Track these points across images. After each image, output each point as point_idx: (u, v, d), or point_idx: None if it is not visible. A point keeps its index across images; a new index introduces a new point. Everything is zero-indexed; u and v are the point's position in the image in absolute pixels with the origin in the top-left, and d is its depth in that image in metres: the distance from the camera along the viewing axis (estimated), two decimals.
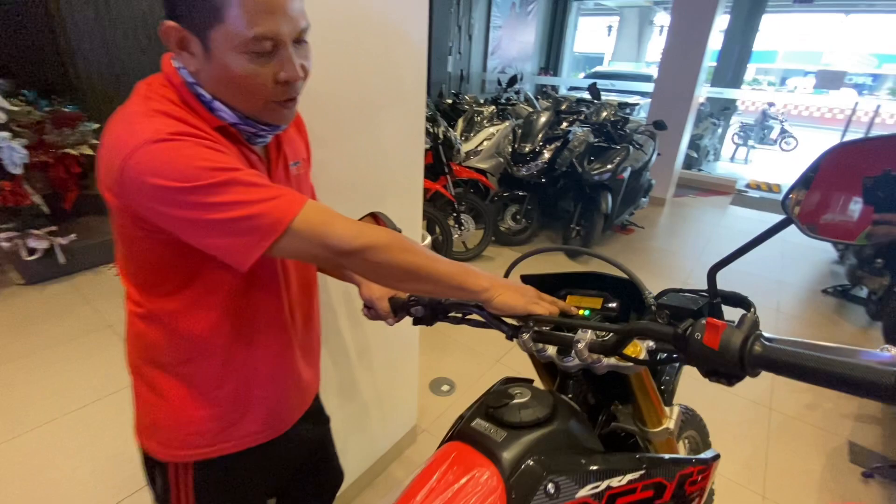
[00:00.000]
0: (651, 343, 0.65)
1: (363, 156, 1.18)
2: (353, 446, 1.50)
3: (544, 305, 0.71)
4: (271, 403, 0.81)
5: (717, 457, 0.72)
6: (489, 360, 2.34)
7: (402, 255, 0.64)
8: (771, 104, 8.88)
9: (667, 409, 0.80)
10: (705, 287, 0.57)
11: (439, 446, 0.66)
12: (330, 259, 0.62)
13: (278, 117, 0.67)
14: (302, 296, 0.85)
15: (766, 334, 0.51)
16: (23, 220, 2.64)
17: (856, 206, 0.48)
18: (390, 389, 1.59)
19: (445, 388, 2.14)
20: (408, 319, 0.84)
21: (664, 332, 0.54)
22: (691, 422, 1.17)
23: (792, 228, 0.47)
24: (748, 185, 6.07)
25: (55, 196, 2.91)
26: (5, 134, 2.42)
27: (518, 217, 3.80)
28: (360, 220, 0.91)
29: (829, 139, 10.02)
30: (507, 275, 0.82)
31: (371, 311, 0.86)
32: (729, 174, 6.51)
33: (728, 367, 0.47)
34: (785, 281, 3.38)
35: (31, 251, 2.66)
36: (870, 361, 0.42)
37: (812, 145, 9.50)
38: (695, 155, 6.37)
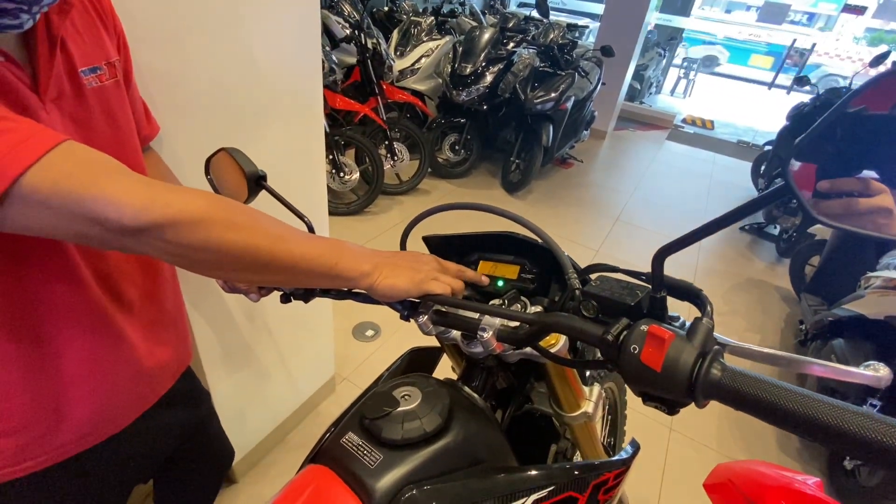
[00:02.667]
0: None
1: (225, 62, 0.87)
2: (254, 410, 1.36)
3: (445, 280, 0.55)
4: (96, 404, 0.62)
5: (636, 451, 0.63)
6: None
7: (231, 233, 0.42)
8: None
9: (586, 389, 0.70)
10: (639, 266, 0.43)
11: (301, 466, 0.51)
12: (105, 240, 0.40)
13: None
14: (133, 265, 0.63)
15: (719, 337, 0.39)
16: None
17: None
18: (298, 344, 1.43)
19: (370, 332, 2.02)
20: (276, 296, 0.65)
21: (590, 333, 0.40)
22: (610, 374, 1.13)
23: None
24: (684, 120, 6.14)
25: None
26: None
27: (457, 147, 3.55)
28: (210, 158, 0.67)
29: (765, 75, 10.32)
30: (404, 238, 0.64)
31: (227, 282, 0.66)
32: (668, 108, 6.52)
33: (671, 393, 0.34)
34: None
35: None
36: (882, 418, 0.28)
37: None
38: (638, 87, 6.26)
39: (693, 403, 0.34)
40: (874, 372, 0.32)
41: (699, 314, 0.37)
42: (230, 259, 0.43)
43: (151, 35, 0.73)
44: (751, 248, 3.21)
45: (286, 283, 0.57)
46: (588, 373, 0.83)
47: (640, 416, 1.76)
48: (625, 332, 0.36)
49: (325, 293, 0.63)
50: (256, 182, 0.66)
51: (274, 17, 0.93)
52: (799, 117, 3.12)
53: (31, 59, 0.48)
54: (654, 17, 6.00)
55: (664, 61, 7.15)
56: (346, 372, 1.82)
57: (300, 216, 0.65)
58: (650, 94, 7.13)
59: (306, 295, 0.64)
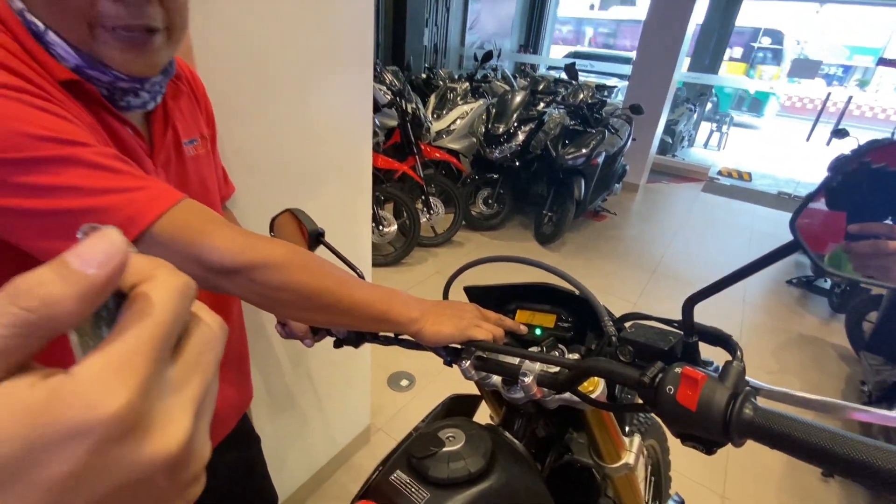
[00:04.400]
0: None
1: (293, 134, 1.01)
2: (293, 457, 1.38)
3: (486, 327, 0.59)
4: None
5: None
6: None
7: (305, 276, 0.50)
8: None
9: (626, 440, 0.70)
10: (677, 318, 0.46)
11: (352, 502, 0.54)
12: (205, 278, 0.47)
13: (123, 60, 0.49)
14: (211, 300, 0.71)
15: (752, 381, 0.41)
16: None
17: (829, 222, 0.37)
18: (335, 392, 1.47)
19: (405, 382, 2.03)
20: (328, 341, 0.70)
21: (628, 376, 0.43)
22: (651, 431, 1.09)
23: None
24: (720, 173, 6.10)
25: None
26: None
27: (490, 201, 3.67)
28: (276, 218, 0.76)
29: (799, 128, 10.21)
30: (446, 288, 0.70)
31: (285, 327, 0.73)
32: (702, 161, 6.52)
33: (707, 432, 0.36)
34: None
35: None
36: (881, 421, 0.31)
37: (782, 133, 9.66)
38: (669, 140, 6.34)
39: (730, 443, 0.36)
40: None
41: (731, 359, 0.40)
42: (303, 298, 0.50)
43: (232, 110, 0.86)
44: (801, 302, 3.06)
45: (347, 324, 0.62)
46: (628, 426, 0.82)
47: (687, 480, 1.66)
48: (660, 375, 0.39)
49: (374, 338, 0.68)
50: (316, 238, 0.74)
51: (334, 91, 1.07)
52: (841, 170, 3.06)
53: (149, 133, 0.59)
54: (682, 76, 6.17)
55: (695, 116, 7.24)
56: (380, 422, 1.82)
57: (353, 268, 0.71)
58: (682, 147, 7.17)
59: (357, 340, 0.69)
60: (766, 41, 10.49)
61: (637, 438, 0.70)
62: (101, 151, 0.44)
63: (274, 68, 0.92)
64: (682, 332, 0.43)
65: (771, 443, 0.33)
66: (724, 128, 7.78)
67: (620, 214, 4.33)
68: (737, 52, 10.63)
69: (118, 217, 0.43)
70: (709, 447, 0.37)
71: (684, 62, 5.03)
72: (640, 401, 0.43)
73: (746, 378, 0.38)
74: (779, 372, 2.35)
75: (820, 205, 0.37)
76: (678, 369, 0.38)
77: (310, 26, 0.95)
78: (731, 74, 9.53)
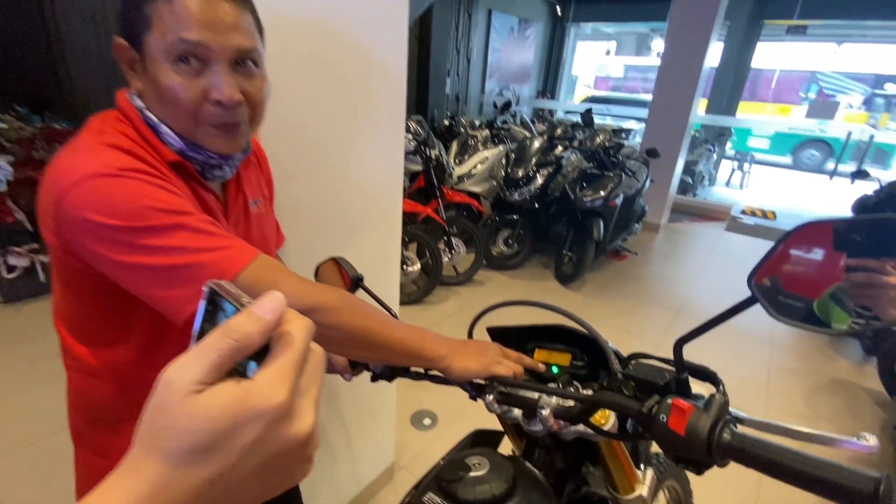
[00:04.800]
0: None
1: (333, 189, 1.14)
2: (321, 491, 1.43)
3: (508, 365, 0.67)
4: None
5: None
6: None
7: (353, 318, 0.59)
8: None
9: (640, 472, 0.75)
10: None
11: None
12: None
13: (217, 144, 0.61)
14: None
15: (735, 412, 0.47)
16: (4, 236, 2.59)
17: (824, 266, 0.44)
18: (363, 428, 1.53)
19: (427, 421, 2.07)
20: (365, 375, 0.79)
21: (629, 407, 0.50)
22: (671, 471, 1.11)
23: None
24: (743, 212, 6.07)
25: None
26: None
27: (510, 241, 3.76)
28: (321, 264, 0.87)
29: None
30: (471, 328, 0.78)
31: (328, 363, 0.82)
32: (724, 199, 6.52)
33: (695, 454, 0.43)
34: None
35: (11, 269, 2.61)
36: (851, 450, 0.38)
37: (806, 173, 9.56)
38: (689, 180, 6.38)
39: (716, 465, 0.42)
40: (865, 441, 0.39)
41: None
42: (351, 337, 0.59)
43: (286, 172, 0.99)
44: (832, 345, 2.98)
45: (386, 360, 0.70)
46: (643, 464, 0.86)
47: None
48: (656, 406, 0.46)
49: (406, 373, 0.76)
50: (356, 283, 0.84)
51: (371, 151, 1.20)
52: (864, 210, 3.06)
53: (224, 196, 0.71)
54: (699, 118, 6.30)
55: (714, 156, 7.30)
56: (403, 460, 1.85)
57: (389, 309, 0.81)
58: (703, 186, 7.20)
59: (391, 374, 0.78)
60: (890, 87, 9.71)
61: (650, 472, 0.75)
62: (200, 218, 0.55)
63: (320, 135, 1.06)
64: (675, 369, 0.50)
65: (747, 463, 0.39)
66: (746, 166, 7.80)
67: (642, 254, 4.35)
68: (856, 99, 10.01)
69: (212, 270, 0.53)
70: (698, 468, 0.43)
71: (700, 104, 5.16)
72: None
73: (731, 409, 0.45)
74: (811, 417, 2.28)
75: (814, 254, 0.45)
76: (669, 400, 0.45)
77: (351, 96, 1.10)
78: (778, 116, 9.26)
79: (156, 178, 0.55)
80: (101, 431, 0.68)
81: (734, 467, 0.41)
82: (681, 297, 3.50)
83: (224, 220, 0.70)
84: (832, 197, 7.55)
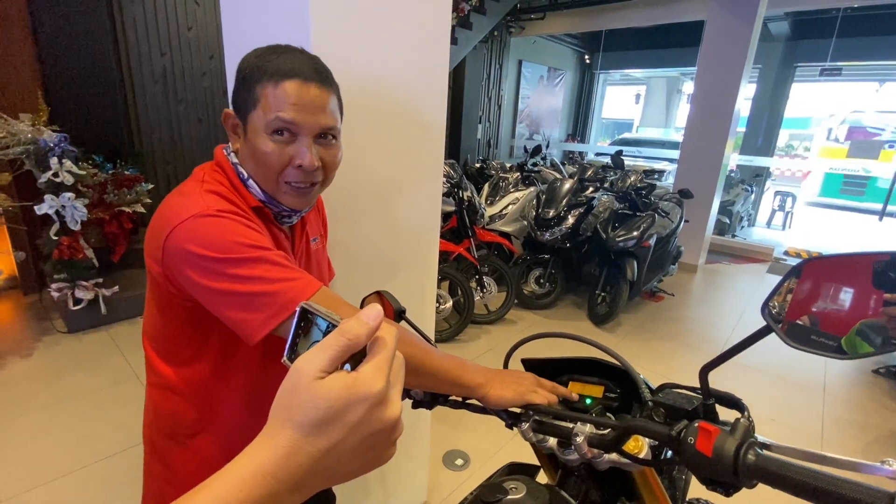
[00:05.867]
0: (653, 440, 0.63)
1: (379, 231, 1.24)
2: None
3: (542, 394, 0.71)
4: None
5: None
6: (506, 433, 2.24)
7: (401, 346, 0.66)
8: None
9: None
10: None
11: None
12: None
13: (293, 202, 0.73)
14: None
15: (761, 439, 0.50)
16: (74, 271, 2.84)
17: (850, 297, 0.47)
18: (397, 464, 1.55)
19: (459, 462, 2.05)
20: (407, 402, 0.84)
21: (659, 432, 0.53)
22: None
23: None
24: (786, 252, 5.85)
25: (105, 250, 3.14)
26: (70, 194, 2.68)
27: (542, 280, 3.77)
28: (367, 297, 0.94)
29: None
30: (507, 359, 0.82)
31: None
32: (765, 241, 6.31)
33: (722, 475, 0.45)
34: (832, 359, 3.15)
35: (78, 301, 2.84)
36: (876, 476, 0.40)
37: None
38: (727, 221, 6.25)
39: (744, 487, 0.44)
40: (889, 466, 0.41)
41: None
42: None
43: (336, 216, 1.10)
44: (891, 395, 2.77)
45: (428, 386, 0.75)
46: (679, 496, 0.85)
47: None
48: (684, 430, 0.49)
49: (445, 401, 0.80)
50: (399, 315, 0.91)
51: (412, 196, 1.31)
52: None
53: (292, 235, 0.81)
54: (734, 159, 6.24)
55: (752, 196, 7.14)
56: (435, 501, 1.83)
57: (429, 340, 0.86)
58: (742, 227, 7.01)
59: (431, 402, 0.82)
60: None
61: None
62: (277, 253, 0.64)
63: (369, 182, 1.17)
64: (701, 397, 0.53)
65: (773, 483, 0.42)
66: (788, 206, 7.57)
67: (679, 295, 4.24)
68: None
69: (283, 298, 0.62)
70: (726, 489, 0.46)
71: (735, 145, 5.13)
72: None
73: (756, 435, 0.47)
74: None
75: (845, 294, 0.48)
76: (696, 424, 0.48)
77: (397, 146, 1.21)
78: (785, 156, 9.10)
79: (244, 218, 0.65)
80: (172, 444, 0.75)
81: None
82: (720, 341, 3.37)
83: (292, 254, 0.79)
84: (879, 237, 7.17)
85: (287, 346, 0.32)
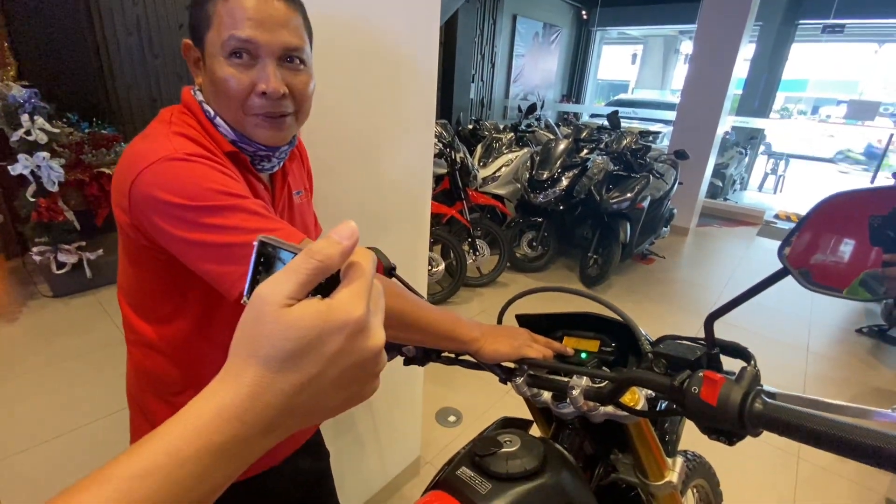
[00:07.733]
0: (650, 392, 0.61)
1: (367, 185, 1.18)
2: (350, 480, 1.47)
3: (537, 348, 0.69)
4: None
5: None
6: (498, 390, 2.28)
7: (390, 299, 0.62)
8: None
9: (669, 460, 0.75)
10: (703, 335, 0.54)
11: (424, 493, 0.63)
12: None
13: (264, 136, 0.66)
14: None
15: (767, 388, 0.48)
16: (55, 234, 2.75)
17: (856, 249, 0.45)
18: (391, 421, 1.56)
19: (452, 418, 2.09)
20: (398, 360, 0.82)
21: (660, 382, 0.51)
22: (699, 470, 1.10)
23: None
24: (777, 216, 5.88)
25: (87, 212, 3.04)
26: (45, 153, 2.56)
27: (534, 244, 3.76)
28: None
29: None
30: (501, 315, 0.80)
31: None
32: (757, 204, 6.33)
33: (727, 424, 0.44)
34: (816, 319, 3.22)
35: (61, 265, 2.77)
36: (885, 423, 0.38)
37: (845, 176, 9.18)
38: (720, 184, 6.23)
39: (748, 435, 0.43)
40: None
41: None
42: (388, 317, 0.62)
43: (324, 170, 1.04)
44: (874, 353, 2.85)
45: (420, 341, 0.72)
46: (672, 455, 0.86)
47: None
48: (687, 380, 0.47)
49: (438, 358, 0.78)
50: (389, 272, 0.87)
51: (403, 150, 1.24)
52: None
53: (272, 186, 0.76)
54: (729, 120, 6.15)
55: (746, 159, 7.10)
56: (429, 456, 1.87)
57: (420, 296, 0.84)
58: (734, 190, 7.01)
59: (423, 359, 0.80)
60: None
61: (680, 459, 0.75)
62: (255, 202, 0.60)
63: (356, 133, 1.11)
64: (705, 346, 0.51)
65: (780, 431, 0.40)
66: (780, 170, 7.55)
67: (669, 258, 4.27)
68: None
69: None
70: (730, 438, 0.44)
71: (731, 106, 5.04)
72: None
73: (761, 384, 0.46)
74: None
75: (844, 246, 0.46)
76: (701, 373, 0.46)
77: (385, 96, 1.14)
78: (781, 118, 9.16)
79: (217, 163, 0.60)
80: (157, 402, 0.73)
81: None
82: (710, 302, 3.41)
83: (272, 207, 0.74)
84: None
85: (247, 285, 0.28)
